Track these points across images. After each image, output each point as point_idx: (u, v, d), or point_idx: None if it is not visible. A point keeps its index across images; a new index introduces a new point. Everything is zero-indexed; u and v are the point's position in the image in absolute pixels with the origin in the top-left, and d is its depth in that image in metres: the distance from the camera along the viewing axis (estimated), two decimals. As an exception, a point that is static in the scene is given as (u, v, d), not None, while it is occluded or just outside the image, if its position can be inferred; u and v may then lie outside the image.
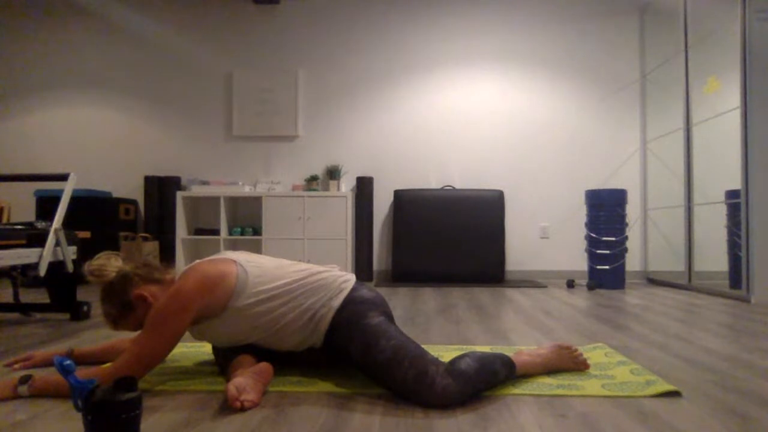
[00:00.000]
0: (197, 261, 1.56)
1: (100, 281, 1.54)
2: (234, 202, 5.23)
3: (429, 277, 4.75)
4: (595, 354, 1.91)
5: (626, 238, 4.31)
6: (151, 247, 4.79)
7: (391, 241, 5.09)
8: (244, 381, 1.37)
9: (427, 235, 4.76)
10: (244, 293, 1.52)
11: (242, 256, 1.61)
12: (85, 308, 2.77)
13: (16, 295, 2.75)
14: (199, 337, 1.59)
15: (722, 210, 3.98)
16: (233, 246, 5.12)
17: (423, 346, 1.91)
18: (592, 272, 4.35)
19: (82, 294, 3.79)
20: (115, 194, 5.35)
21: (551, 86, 5.17)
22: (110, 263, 1.56)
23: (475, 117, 5.20)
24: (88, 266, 1.54)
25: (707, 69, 4.16)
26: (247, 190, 4.96)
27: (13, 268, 2.54)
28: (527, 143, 5.16)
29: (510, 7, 5.23)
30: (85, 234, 3.12)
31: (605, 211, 4.29)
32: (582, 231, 5.09)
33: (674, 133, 4.57)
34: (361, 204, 4.98)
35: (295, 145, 5.29)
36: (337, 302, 1.55)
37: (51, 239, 2.60)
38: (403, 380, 1.37)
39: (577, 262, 5.10)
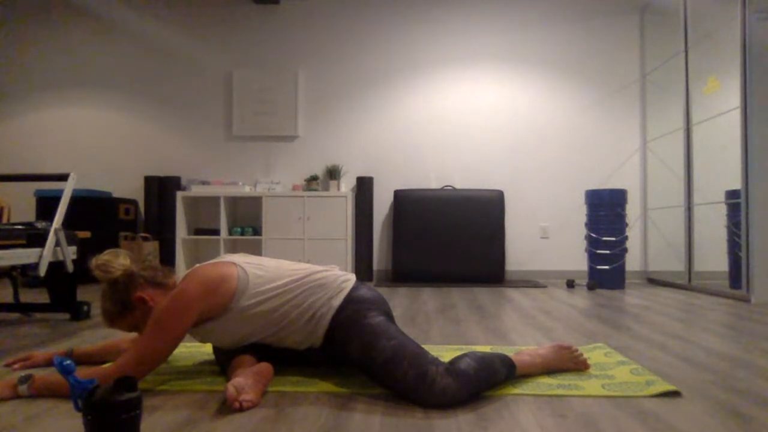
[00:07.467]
0: (198, 265, 1.56)
1: (105, 277, 1.53)
2: (234, 202, 5.23)
3: (429, 277, 4.74)
4: (595, 354, 1.91)
5: (626, 238, 4.31)
6: (151, 247, 4.79)
7: (391, 241, 5.10)
8: (244, 381, 1.37)
9: (427, 235, 4.76)
10: (245, 294, 1.52)
11: (242, 258, 1.61)
12: (85, 308, 2.77)
13: (16, 295, 2.75)
14: (201, 338, 1.59)
15: (722, 210, 3.97)
16: (233, 246, 5.12)
17: (423, 346, 1.91)
18: (592, 272, 4.35)
19: (82, 294, 3.79)
20: (115, 194, 5.35)
21: (551, 86, 5.17)
22: (117, 260, 1.56)
23: (475, 117, 5.20)
24: (95, 260, 1.54)
25: (707, 69, 4.16)
26: (247, 190, 4.96)
27: (13, 268, 2.54)
28: (527, 143, 5.16)
29: (510, 7, 5.23)
30: (85, 234, 3.11)
31: (605, 211, 4.29)
32: (582, 231, 5.09)
33: (674, 133, 4.57)
34: (361, 204, 4.98)
35: (295, 145, 5.29)
36: (337, 302, 1.55)
37: (51, 239, 2.60)
38: (403, 380, 1.37)
39: (577, 262, 5.10)
